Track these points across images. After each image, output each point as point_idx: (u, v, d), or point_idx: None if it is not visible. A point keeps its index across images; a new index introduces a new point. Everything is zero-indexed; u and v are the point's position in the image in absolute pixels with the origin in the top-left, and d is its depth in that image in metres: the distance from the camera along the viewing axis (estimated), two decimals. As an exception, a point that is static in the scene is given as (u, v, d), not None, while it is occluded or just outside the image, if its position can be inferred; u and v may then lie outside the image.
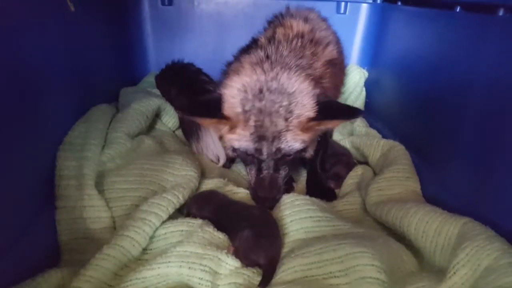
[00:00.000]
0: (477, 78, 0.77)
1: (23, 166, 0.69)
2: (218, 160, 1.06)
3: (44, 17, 0.80)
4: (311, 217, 0.76)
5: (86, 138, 0.84)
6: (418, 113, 1.00)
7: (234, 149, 0.87)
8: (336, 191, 0.98)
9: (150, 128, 1.10)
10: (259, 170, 0.86)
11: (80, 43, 0.98)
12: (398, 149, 0.94)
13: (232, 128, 0.83)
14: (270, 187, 0.85)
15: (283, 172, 0.88)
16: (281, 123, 0.79)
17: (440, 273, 0.63)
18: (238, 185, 0.93)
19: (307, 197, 0.83)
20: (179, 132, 1.16)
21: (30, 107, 0.72)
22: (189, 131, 1.08)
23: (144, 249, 0.71)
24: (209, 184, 0.90)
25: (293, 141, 0.81)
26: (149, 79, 1.34)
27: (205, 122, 0.87)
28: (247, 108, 0.80)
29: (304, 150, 0.86)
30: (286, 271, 0.66)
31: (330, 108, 0.81)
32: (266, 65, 0.84)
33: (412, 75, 1.06)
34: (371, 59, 1.33)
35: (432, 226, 0.69)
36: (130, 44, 1.36)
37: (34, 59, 0.75)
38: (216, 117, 0.82)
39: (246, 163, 0.92)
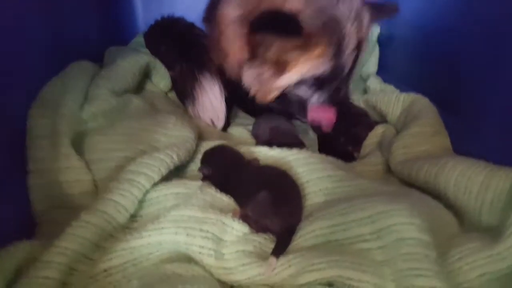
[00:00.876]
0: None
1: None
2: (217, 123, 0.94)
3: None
4: (330, 176, 0.65)
5: (63, 94, 0.72)
6: (443, 65, 0.88)
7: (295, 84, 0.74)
8: (356, 155, 0.86)
9: (139, 89, 0.97)
10: (337, 91, 0.74)
11: (58, 7, 0.84)
12: (422, 102, 0.82)
13: (308, 51, 0.67)
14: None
15: None
16: (360, 29, 0.71)
17: (491, 232, 0.53)
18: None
19: (323, 155, 0.71)
20: (172, 95, 1.04)
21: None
22: (183, 92, 0.96)
23: (133, 216, 0.60)
24: (208, 146, 0.77)
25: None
26: (139, 40, 1.20)
27: (274, 47, 0.68)
28: (326, 18, 0.67)
29: None
30: (304, 236, 0.55)
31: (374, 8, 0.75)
32: None
33: (435, 26, 0.93)
34: (383, 12, 1.20)
35: (476, 181, 0.58)
36: (115, 2, 1.22)
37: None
38: (298, 35, 0.65)
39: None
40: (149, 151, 0.67)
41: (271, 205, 0.57)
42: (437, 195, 0.63)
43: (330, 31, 0.67)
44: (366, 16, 0.72)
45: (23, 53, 0.69)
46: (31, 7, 0.72)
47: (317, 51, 0.67)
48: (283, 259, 0.52)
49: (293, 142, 0.78)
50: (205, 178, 0.65)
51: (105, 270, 0.52)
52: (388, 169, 0.77)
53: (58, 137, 0.64)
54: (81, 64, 0.84)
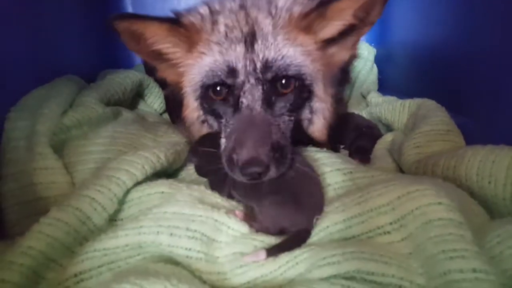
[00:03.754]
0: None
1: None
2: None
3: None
4: (339, 170, 0.57)
5: (46, 98, 0.67)
6: (447, 74, 0.85)
7: (198, 93, 0.59)
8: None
9: (131, 108, 0.92)
10: (237, 109, 0.53)
11: (50, 32, 0.84)
12: (429, 104, 0.77)
13: (193, 46, 0.58)
14: (255, 138, 0.49)
15: (284, 118, 0.55)
16: (263, 18, 0.55)
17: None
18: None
19: (329, 152, 0.64)
20: (167, 116, 0.99)
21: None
22: (175, 112, 0.92)
23: (112, 220, 0.52)
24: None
25: (287, 47, 0.54)
26: (139, 67, 1.18)
27: (153, 31, 0.59)
28: (214, 8, 0.59)
29: (310, 85, 0.57)
30: (318, 235, 0.47)
31: None
32: None
33: (433, 41, 0.93)
34: (378, 34, 1.21)
35: (501, 166, 0.50)
36: (113, 35, 1.23)
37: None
38: (168, 22, 0.58)
39: (218, 122, 0.59)
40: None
41: (295, 204, 0.49)
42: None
43: (214, 23, 0.60)
44: (294, 7, 0.57)
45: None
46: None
47: (195, 48, 0.59)
48: (288, 256, 0.43)
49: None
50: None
51: (75, 275, 0.44)
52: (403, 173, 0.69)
53: (36, 137, 0.58)
54: (70, 77, 0.81)
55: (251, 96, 0.54)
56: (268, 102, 0.55)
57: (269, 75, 0.55)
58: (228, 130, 0.55)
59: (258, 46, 0.55)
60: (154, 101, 0.98)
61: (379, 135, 0.85)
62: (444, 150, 0.67)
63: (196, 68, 0.58)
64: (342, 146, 0.89)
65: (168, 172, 0.64)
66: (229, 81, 0.55)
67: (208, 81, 0.57)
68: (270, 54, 0.55)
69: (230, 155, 0.49)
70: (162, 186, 0.54)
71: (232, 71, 0.55)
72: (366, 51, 1.18)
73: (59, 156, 0.60)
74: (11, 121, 0.62)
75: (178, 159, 0.64)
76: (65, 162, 0.60)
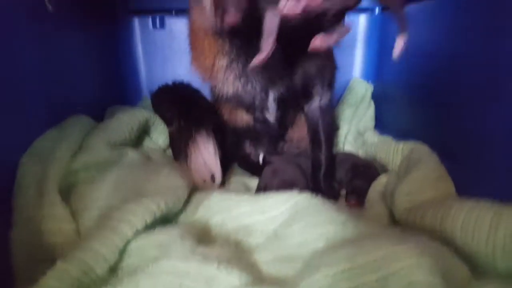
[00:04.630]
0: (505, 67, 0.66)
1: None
2: (213, 180, 0.92)
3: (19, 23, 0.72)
4: (332, 219, 0.59)
5: (57, 142, 0.71)
6: (439, 116, 0.88)
7: None
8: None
9: (137, 145, 0.97)
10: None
11: (61, 67, 0.88)
12: (422, 149, 0.80)
13: None
14: None
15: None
16: None
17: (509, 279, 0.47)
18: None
19: (324, 198, 0.67)
20: (170, 152, 1.03)
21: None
22: (178, 149, 0.96)
23: (113, 269, 0.55)
24: (203, 195, 0.74)
25: None
26: (145, 103, 1.24)
27: None
28: None
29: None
30: (308, 285, 0.49)
31: None
32: None
33: (427, 79, 0.96)
34: (375, 71, 1.24)
35: (484, 222, 0.52)
36: (120, 69, 1.28)
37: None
38: None
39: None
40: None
41: None
42: (446, 244, 0.58)
43: None
44: None
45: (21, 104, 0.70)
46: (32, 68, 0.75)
47: None
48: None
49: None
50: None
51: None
52: (393, 220, 0.72)
53: (46, 183, 0.62)
54: (79, 117, 0.85)
55: None
56: None
57: None
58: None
59: None
60: (159, 137, 1.02)
61: (376, 175, 0.88)
62: (435, 198, 0.69)
63: None
64: (337, 185, 0.93)
65: (167, 217, 0.67)
66: None
67: None
68: None
69: None
70: (159, 235, 0.57)
71: None
72: (363, 88, 1.22)
73: (67, 202, 0.64)
74: (23, 166, 0.66)
75: (178, 203, 0.67)
76: (73, 209, 0.63)
